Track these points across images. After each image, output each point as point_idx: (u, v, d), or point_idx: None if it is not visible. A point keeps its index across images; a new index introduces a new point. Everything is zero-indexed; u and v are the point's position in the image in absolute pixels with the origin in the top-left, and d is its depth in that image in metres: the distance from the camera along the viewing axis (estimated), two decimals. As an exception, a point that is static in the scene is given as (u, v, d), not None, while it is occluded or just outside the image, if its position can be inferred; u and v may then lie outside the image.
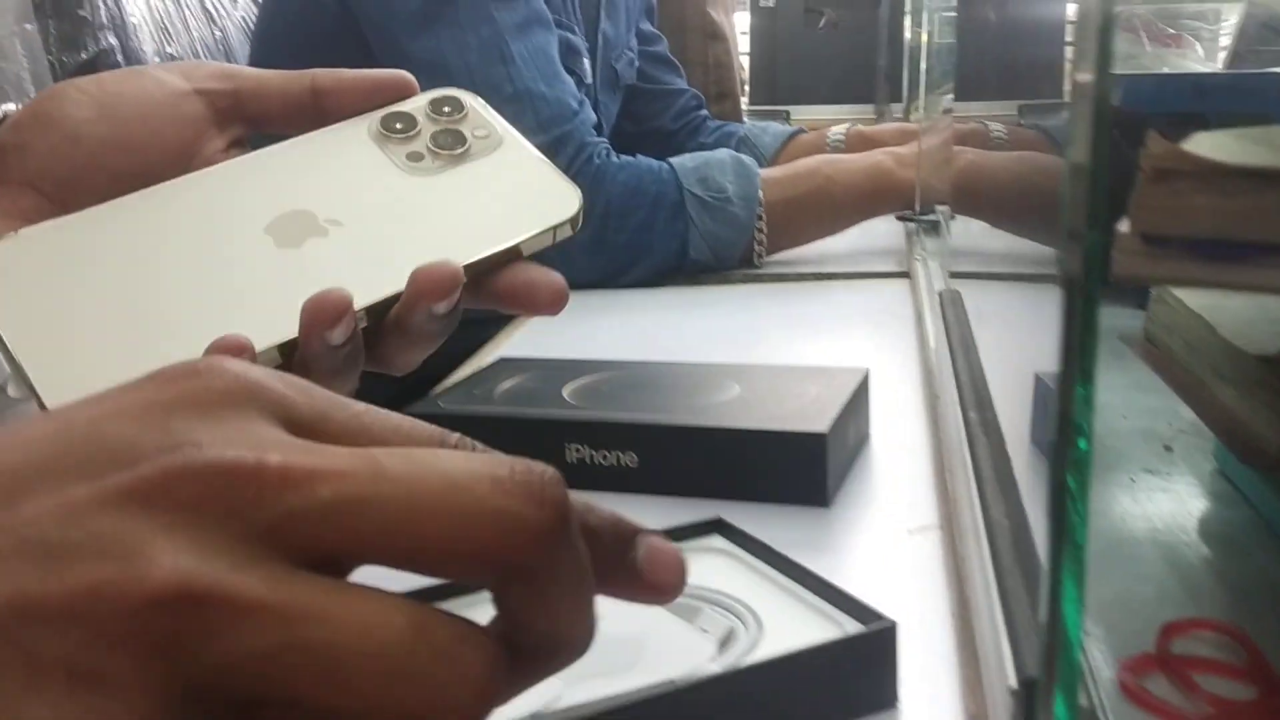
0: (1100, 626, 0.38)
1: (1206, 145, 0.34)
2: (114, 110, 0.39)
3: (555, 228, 0.40)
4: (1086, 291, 0.23)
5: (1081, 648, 0.25)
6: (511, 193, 0.40)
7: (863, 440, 0.61)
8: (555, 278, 0.40)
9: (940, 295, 0.68)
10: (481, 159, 0.41)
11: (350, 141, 0.41)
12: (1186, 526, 0.45)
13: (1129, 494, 0.49)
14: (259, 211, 0.38)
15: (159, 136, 0.40)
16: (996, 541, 0.33)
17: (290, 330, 0.35)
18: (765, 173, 1.07)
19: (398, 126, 0.41)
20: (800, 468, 0.54)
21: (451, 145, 0.41)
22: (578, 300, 1.01)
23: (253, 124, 0.43)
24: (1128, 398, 0.55)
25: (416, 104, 0.42)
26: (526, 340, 0.88)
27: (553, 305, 0.40)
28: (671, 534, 0.46)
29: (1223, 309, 0.40)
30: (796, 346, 0.84)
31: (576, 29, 1.17)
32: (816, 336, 0.86)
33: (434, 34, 1.00)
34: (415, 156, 0.40)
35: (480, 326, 1.08)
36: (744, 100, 2.35)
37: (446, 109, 0.42)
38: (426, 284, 0.36)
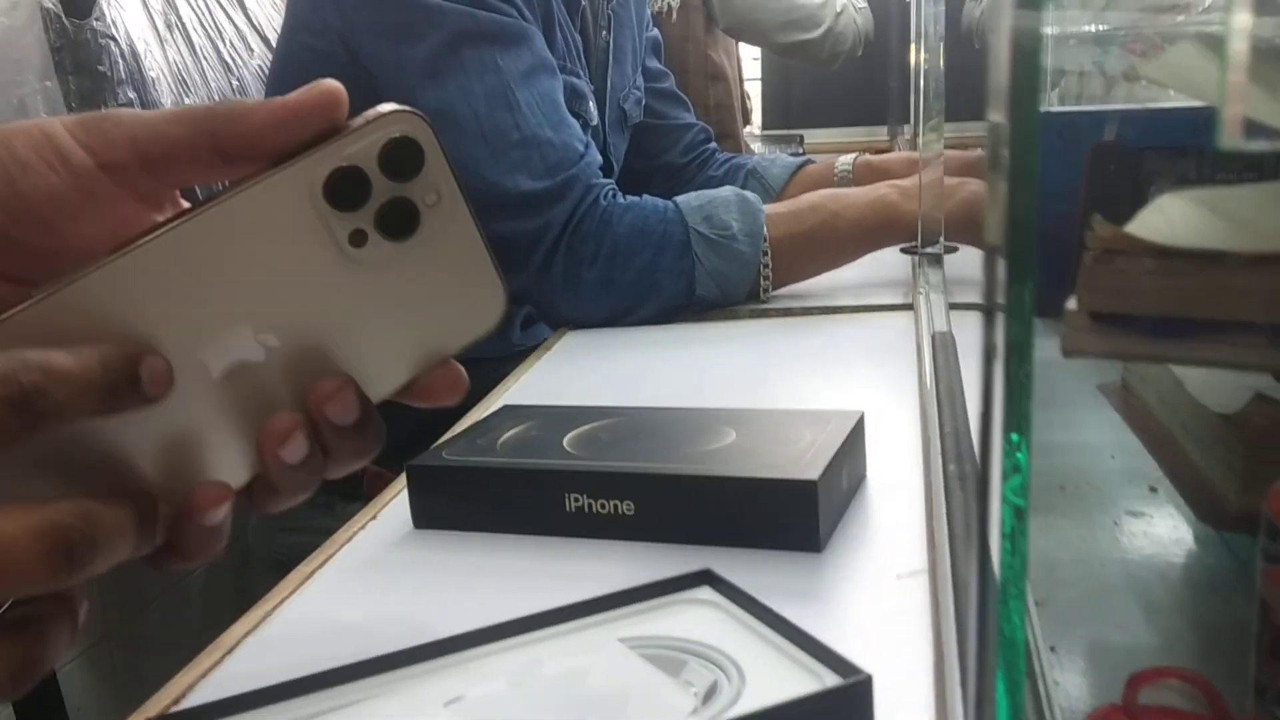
0: (1072, 674, 0.39)
1: (1170, 211, 0.36)
2: (10, 207, 0.36)
3: (479, 339, 0.40)
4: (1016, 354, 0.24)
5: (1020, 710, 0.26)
6: (446, 295, 0.40)
7: (859, 482, 0.62)
8: (455, 371, 0.40)
9: (934, 337, 0.69)
10: (425, 245, 0.39)
11: (288, 209, 0.37)
12: (1166, 572, 0.46)
13: (1111, 537, 0.50)
14: (197, 329, 0.37)
15: (73, 235, 0.37)
16: (961, 597, 0.34)
17: (251, 466, 0.38)
18: (770, 209, 1.08)
19: (344, 196, 0.38)
20: (792, 514, 0.55)
21: (398, 229, 0.39)
22: (586, 340, 1.04)
23: (173, 186, 0.40)
24: (1118, 437, 0.56)
25: (368, 151, 0.38)
26: (535, 383, 0.90)
27: (451, 396, 0.40)
28: (661, 586, 0.47)
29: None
30: (800, 383, 0.85)
31: (581, 73, 1.19)
32: (820, 373, 0.87)
33: (441, 84, 1.03)
34: (358, 239, 0.38)
35: (490, 366, 1.10)
36: (755, 126, 2.37)
37: (402, 162, 0.38)
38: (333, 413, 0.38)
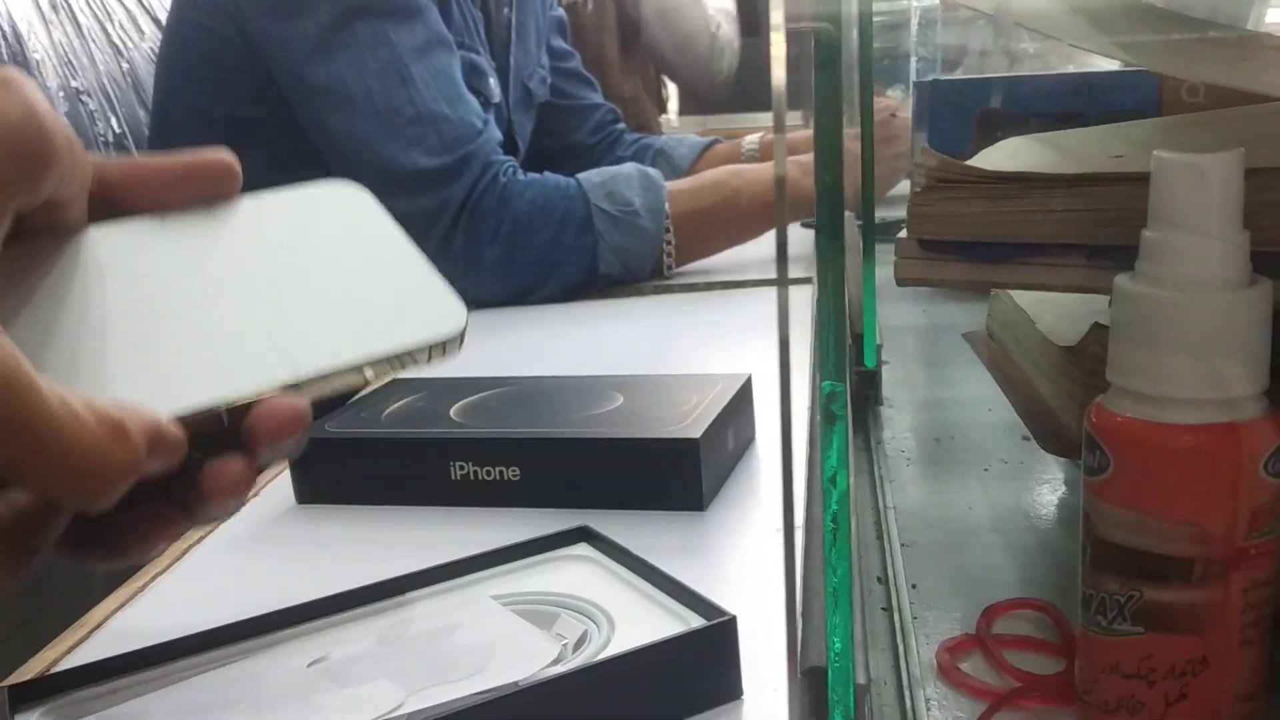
0: (931, 611, 0.40)
1: (1010, 147, 0.36)
2: None
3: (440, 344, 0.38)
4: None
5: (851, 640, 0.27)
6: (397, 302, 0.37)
7: (747, 443, 0.63)
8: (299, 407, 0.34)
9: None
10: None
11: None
12: (1030, 511, 0.47)
13: (980, 484, 0.51)
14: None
15: None
16: (811, 539, 0.34)
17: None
18: (672, 185, 1.08)
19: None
20: (675, 473, 0.55)
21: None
22: (488, 318, 1.03)
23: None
24: (995, 392, 0.57)
25: None
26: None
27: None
28: (538, 543, 0.47)
29: (1045, 303, 0.42)
30: (698, 355, 0.86)
31: (481, 50, 1.18)
32: (719, 345, 0.88)
33: (333, 60, 1.01)
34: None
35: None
36: (671, 114, 2.38)
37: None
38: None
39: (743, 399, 0.62)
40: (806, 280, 1.04)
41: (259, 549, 0.56)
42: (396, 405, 0.64)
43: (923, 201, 0.32)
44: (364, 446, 0.60)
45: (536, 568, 0.46)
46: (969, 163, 0.33)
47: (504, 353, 0.90)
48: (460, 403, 0.63)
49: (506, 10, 1.27)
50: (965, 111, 0.88)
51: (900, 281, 0.35)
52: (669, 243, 1.07)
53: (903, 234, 0.34)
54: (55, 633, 0.49)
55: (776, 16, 0.24)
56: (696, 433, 0.55)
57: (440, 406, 0.63)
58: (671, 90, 2.70)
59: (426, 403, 0.64)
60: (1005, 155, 0.34)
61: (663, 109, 2.35)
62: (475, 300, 1.06)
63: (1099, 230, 0.29)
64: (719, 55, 2.12)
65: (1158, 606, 0.28)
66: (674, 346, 0.89)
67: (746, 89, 2.51)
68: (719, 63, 2.12)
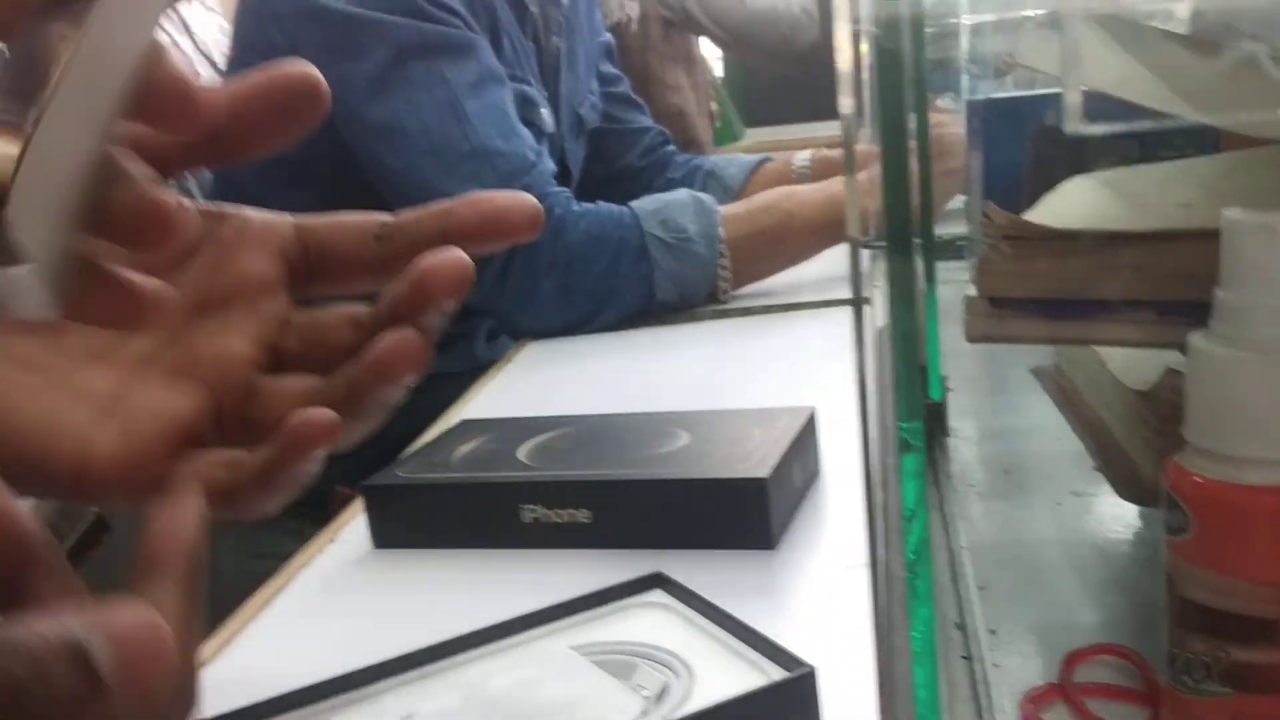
0: (1011, 658, 0.40)
1: (1073, 195, 0.36)
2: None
3: None
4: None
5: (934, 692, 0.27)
6: None
7: (812, 478, 0.63)
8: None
9: (879, 332, 0.70)
10: None
11: None
12: (1106, 549, 0.47)
13: (1054, 518, 0.51)
14: None
15: None
16: (889, 585, 0.35)
17: None
18: (726, 209, 1.09)
19: None
20: (743, 513, 0.55)
21: None
22: (547, 350, 1.04)
23: None
24: (1063, 421, 0.57)
25: None
26: (495, 397, 0.90)
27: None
28: (613, 592, 0.48)
29: (1115, 342, 0.41)
30: (757, 383, 0.86)
31: (533, 81, 1.20)
32: (778, 372, 0.88)
33: (389, 99, 1.03)
34: None
35: (453, 381, 1.11)
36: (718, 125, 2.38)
37: None
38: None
39: (807, 434, 0.62)
40: (867, 301, 1.04)
41: (340, 596, 0.57)
42: (467, 448, 0.65)
43: (991, 260, 0.33)
44: (437, 492, 0.61)
45: (613, 616, 0.47)
46: (1034, 218, 0.33)
47: (565, 385, 0.91)
48: (528, 444, 0.64)
49: (556, 39, 1.28)
50: (1019, 129, 0.87)
51: (971, 338, 0.35)
52: (724, 267, 1.07)
53: (971, 290, 0.34)
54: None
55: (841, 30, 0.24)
56: (764, 472, 0.55)
57: (509, 448, 0.64)
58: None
59: (496, 445, 0.65)
60: (1069, 204, 0.34)
61: (714, 121, 2.34)
62: (533, 331, 1.07)
63: (1170, 287, 0.30)
64: (796, 26, 2.10)
65: (1246, 667, 0.28)
66: (734, 374, 0.90)
67: (796, 98, 2.50)
68: (798, 33, 2.11)
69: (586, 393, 0.88)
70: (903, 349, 0.29)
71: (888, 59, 0.31)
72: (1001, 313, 0.33)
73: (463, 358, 1.22)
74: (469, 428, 0.70)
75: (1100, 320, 0.31)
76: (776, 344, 0.95)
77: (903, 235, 0.33)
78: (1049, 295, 0.31)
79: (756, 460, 0.57)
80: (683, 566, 0.54)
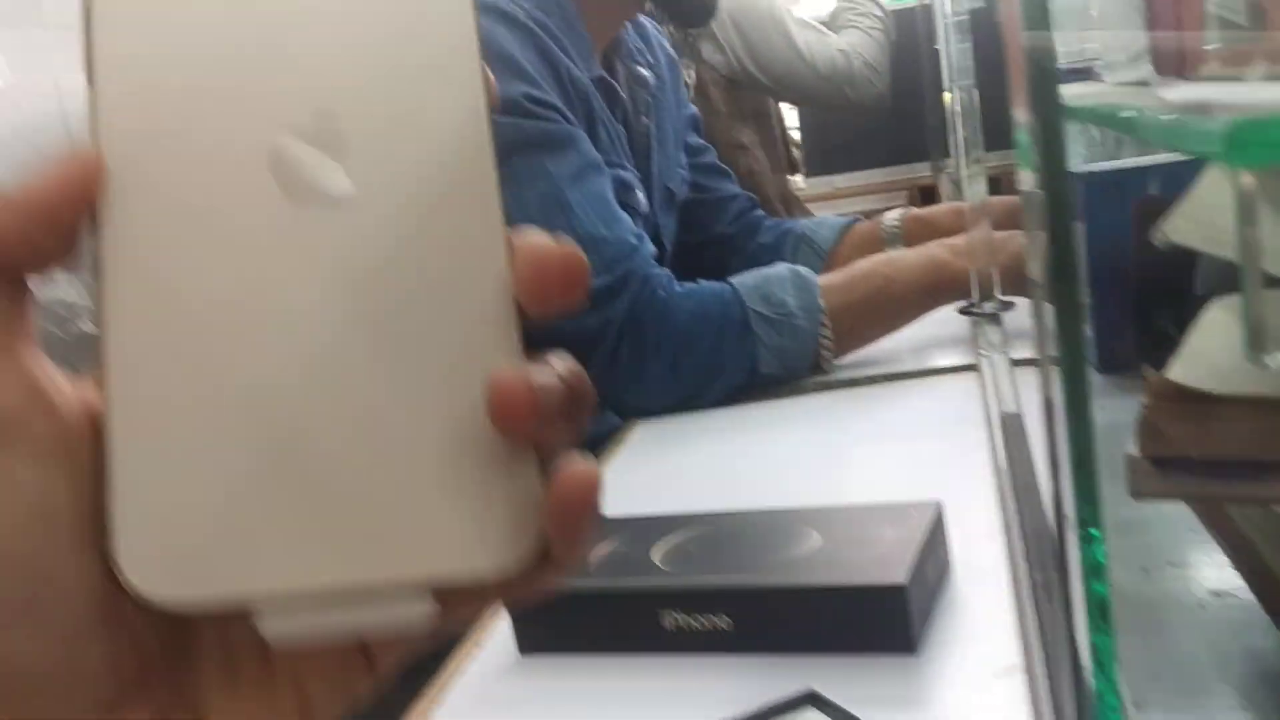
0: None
1: (1216, 335, 0.37)
2: None
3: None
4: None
5: None
6: None
7: (944, 574, 0.64)
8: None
9: (1003, 419, 0.71)
10: None
11: None
12: (1256, 654, 0.47)
13: (1198, 620, 0.51)
14: None
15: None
16: (1058, 699, 0.36)
17: None
18: (824, 279, 1.10)
19: None
20: (884, 619, 0.57)
21: None
22: (656, 430, 1.06)
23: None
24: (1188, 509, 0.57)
25: None
26: (612, 483, 0.92)
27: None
28: (768, 713, 0.49)
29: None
30: (872, 465, 0.87)
31: (627, 163, 1.23)
32: (891, 452, 0.89)
33: None
34: None
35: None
36: (799, 177, 2.39)
37: None
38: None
39: (937, 530, 0.63)
40: (971, 368, 1.05)
41: (488, 709, 0.59)
42: (601, 551, 0.68)
43: (1152, 422, 0.34)
44: (578, 600, 0.63)
45: (771, 737, 0.49)
46: (1184, 366, 0.34)
47: (680, 470, 0.93)
48: (661, 546, 0.66)
49: (645, 119, 1.32)
50: (1122, 201, 0.88)
51: (1135, 496, 0.36)
52: (826, 338, 1.09)
53: (1132, 449, 0.35)
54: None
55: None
56: (903, 577, 0.56)
57: (643, 550, 0.66)
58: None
59: (629, 546, 0.67)
60: (1217, 347, 0.35)
61: (793, 169, 2.35)
62: (642, 411, 1.10)
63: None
64: (856, 85, 2.12)
65: None
66: (845, 454, 0.91)
67: (876, 142, 2.51)
68: (859, 92, 2.13)
69: (702, 478, 0.90)
70: (1080, 447, 0.30)
71: (1052, 135, 0.32)
72: (1166, 472, 0.34)
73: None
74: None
75: (1269, 481, 0.32)
76: (885, 419, 0.97)
77: (1072, 291, 0.33)
78: (1212, 456, 0.33)
79: (893, 564, 0.58)
80: (823, 672, 0.55)
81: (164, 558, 0.25)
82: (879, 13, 2.18)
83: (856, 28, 2.17)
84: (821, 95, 2.12)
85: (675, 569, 0.63)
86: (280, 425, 0.26)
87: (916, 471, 0.84)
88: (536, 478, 0.27)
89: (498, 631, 0.67)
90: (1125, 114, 0.33)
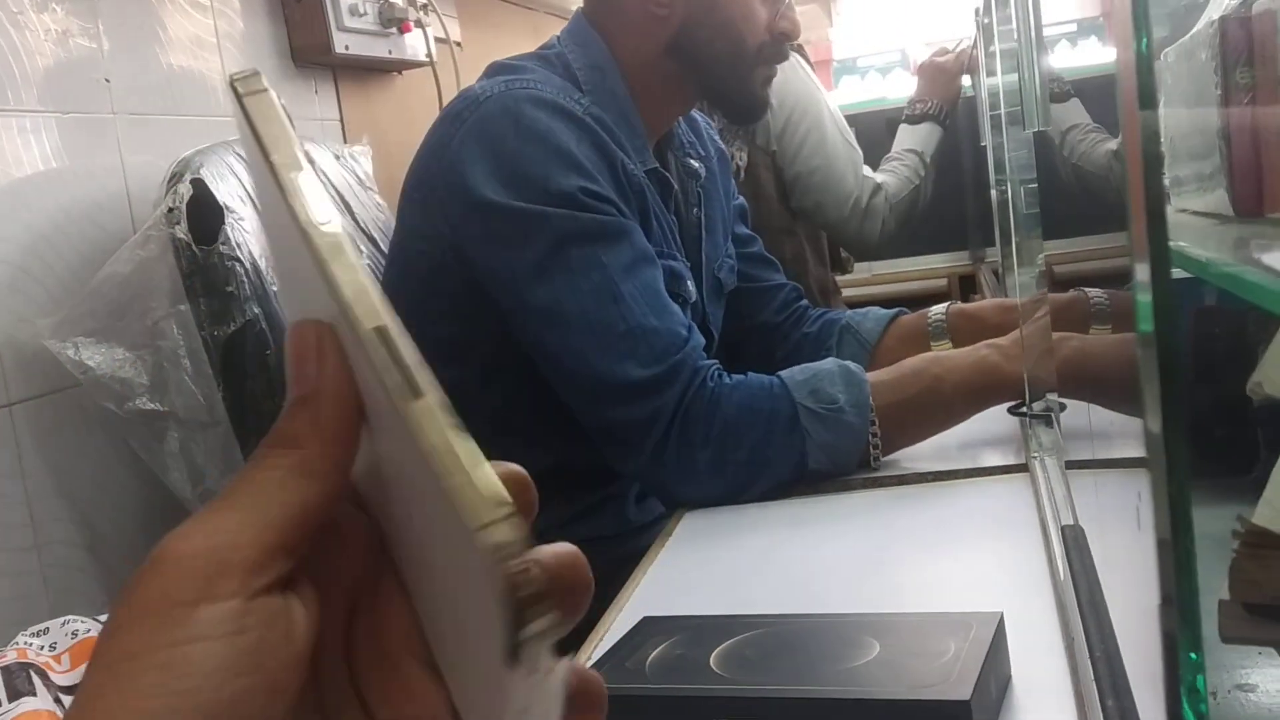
0: None
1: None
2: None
3: None
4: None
5: None
6: None
7: (1005, 685, 0.63)
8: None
9: (1064, 531, 0.71)
10: None
11: None
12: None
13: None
14: None
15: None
16: None
17: None
18: (874, 377, 1.11)
19: None
20: (948, 735, 0.56)
21: None
22: (705, 522, 1.06)
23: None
24: None
25: None
26: (663, 576, 0.92)
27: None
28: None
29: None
30: (926, 568, 0.86)
31: (678, 254, 1.24)
32: (944, 554, 0.88)
33: (550, 283, 1.08)
34: None
35: (608, 544, 1.13)
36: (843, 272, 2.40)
37: None
38: None
39: (999, 643, 0.63)
40: (1021, 468, 1.04)
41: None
42: (656, 652, 0.67)
43: (1242, 566, 0.34)
44: (638, 703, 0.62)
45: None
46: (1270, 510, 0.34)
47: (731, 566, 0.93)
48: (718, 650, 0.66)
49: (695, 210, 1.34)
50: (1180, 308, 0.88)
51: (1226, 640, 0.36)
52: (875, 435, 1.09)
53: (1224, 594, 0.35)
54: None
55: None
56: (965, 693, 0.56)
57: (700, 655, 0.66)
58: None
59: (685, 649, 0.67)
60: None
61: (835, 264, 2.35)
62: (688, 502, 1.10)
63: None
64: (870, 217, 2.15)
65: None
66: (897, 555, 0.90)
67: (916, 230, 2.52)
68: (869, 225, 2.15)
69: (751, 574, 0.90)
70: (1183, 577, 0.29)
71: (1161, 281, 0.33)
72: (1255, 617, 0.34)
73: (614, 519, 1.26)
74: (652, 627, 0.72)
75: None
76: (936, 519, 0.96)
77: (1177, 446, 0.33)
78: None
79: (956, 678, 0.58)
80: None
81: None
82: (924, 171, 2.21)
83: (896, 175, 2.20)
84: (831, 213, 2.14)
85: (733, 674, 0.63)
86: None
87: (969, 577, 0.83)
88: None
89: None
90: (1249, 278, 0.34)
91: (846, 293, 2.42)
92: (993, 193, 1.85)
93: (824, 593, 0.84)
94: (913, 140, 2.24)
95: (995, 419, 1.14)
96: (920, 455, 1.11)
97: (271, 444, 0.30)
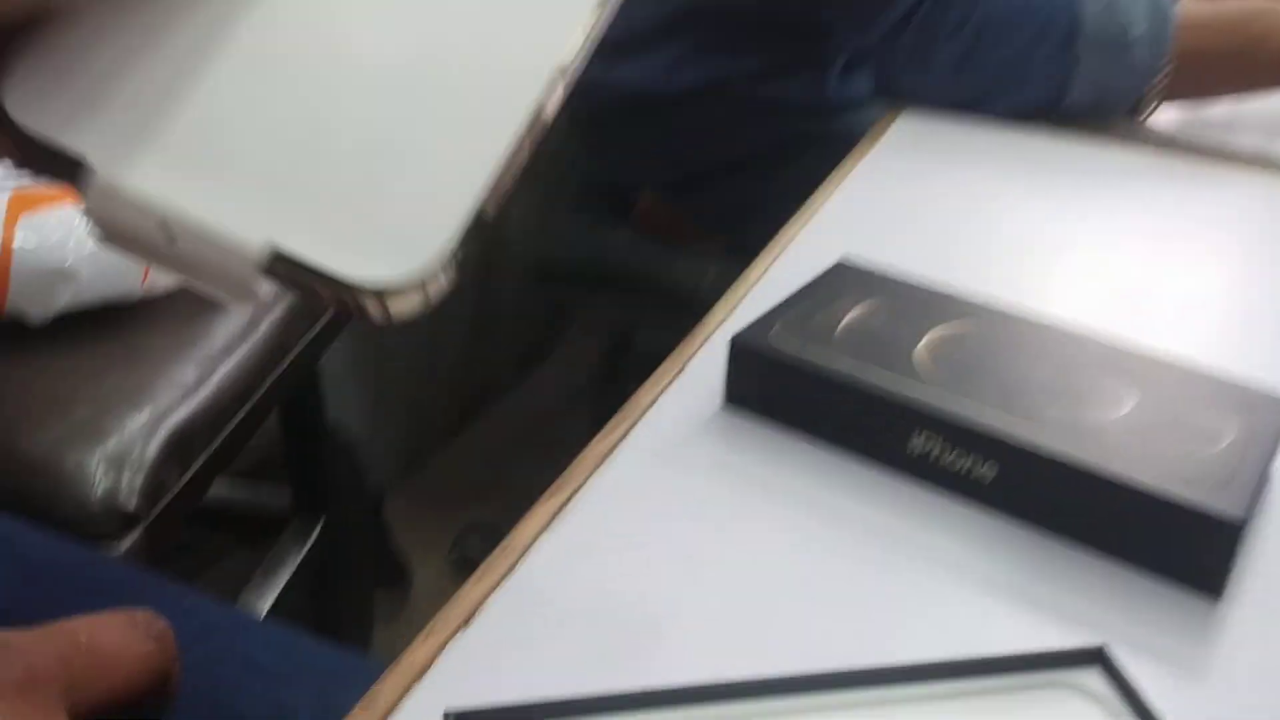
0: None
1: None
2: None
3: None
4: None
5: None
6: None
7: (1264, 491, 0.51)
8: None
9: None
10: None
11: None
12: None
13: None
14: None
15: None
16: None
17: None
18: (1185, 13, 0.88)
19: None
20: (1197, 550, 0.44)
21: None
22: (923, 133, 0.89)
23: None
24: None
25: None
26: (861, 188, 0.78)
27: None
28: (1040, 660, 0.39)
29: None
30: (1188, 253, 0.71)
31: None
32: (1218, 254, 0.72)
33: None
34: None
35: (800, 116, 0.97)
36: None
37: None
38: None
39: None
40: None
41: (683, 462, 0.50)
42: (853, 315, 0.55)
43: None
44: (815, 379, 0.51)
45: (1035, 693, 0.38)
46: None
47: (940, 190, 0.78)
48: (928, 336, 0.54)
49: None
50: None
51: None
52: (1163, 80, 0.88)
53: None
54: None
55: None
56: (1239, 510, 0.43)
57: (902, 335, 0.53)
58: None
59: (885, 321, 0.55)
60: None
61: None
62: (911, 97, 0.92)
63: None
64: None
65: None
66: (1164, 247, 0.74)
67: None
68: None
69: (970, 211, 0.75)
70: None
71: None
72: None
73: (809, 88, 1.08)
74: (848, 278, 0.59)
75: None
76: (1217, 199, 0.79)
77: None
78: None
79: (1227, 480, 0.45)
80: (1097, 580, 0.45)
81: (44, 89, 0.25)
82: None
83: None
84: None
85: (941, 381, 0.50)
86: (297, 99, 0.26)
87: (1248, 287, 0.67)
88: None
89: (707, 367, 0.56)
90: None
91: None
92: None
93: (1057, 264, 0.69)
94: None
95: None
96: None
97: None
